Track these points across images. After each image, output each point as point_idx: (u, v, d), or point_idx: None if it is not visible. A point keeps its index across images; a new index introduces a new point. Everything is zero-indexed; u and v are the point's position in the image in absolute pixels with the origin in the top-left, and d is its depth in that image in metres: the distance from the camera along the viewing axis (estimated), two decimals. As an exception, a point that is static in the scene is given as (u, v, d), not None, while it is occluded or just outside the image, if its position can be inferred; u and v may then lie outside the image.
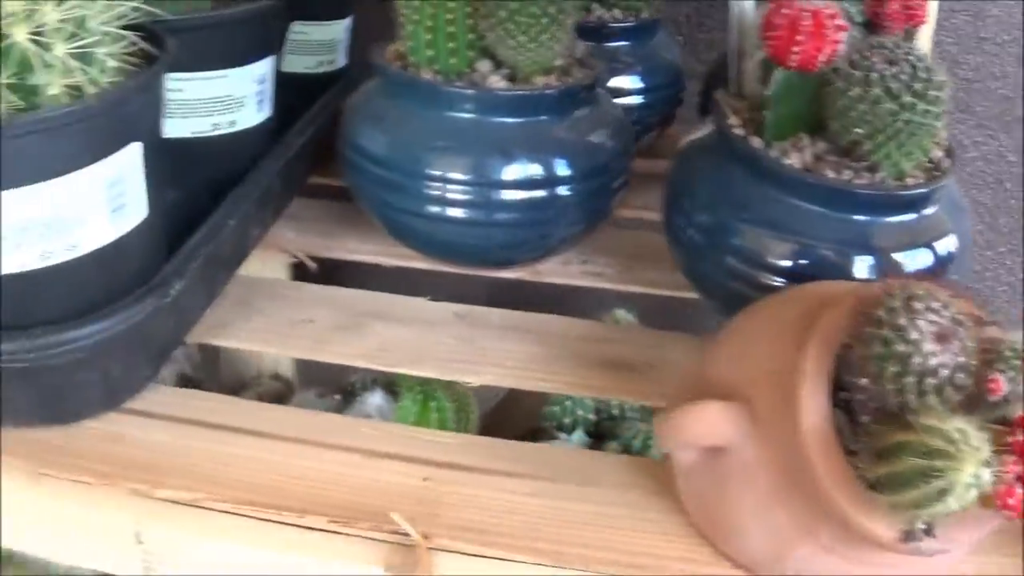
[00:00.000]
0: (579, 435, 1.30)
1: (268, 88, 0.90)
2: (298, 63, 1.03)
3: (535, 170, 0.82)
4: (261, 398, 1.44)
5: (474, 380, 0.80)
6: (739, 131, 0.75)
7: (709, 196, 0.77)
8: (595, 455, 0.76)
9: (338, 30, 1.07)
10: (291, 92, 0.97)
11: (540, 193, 0.83)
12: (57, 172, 0.63)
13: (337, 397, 1.36)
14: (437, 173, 0.82)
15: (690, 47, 1.38)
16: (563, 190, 0.84)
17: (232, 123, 0.86)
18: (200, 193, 0.84)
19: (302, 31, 1.02)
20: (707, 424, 0.60)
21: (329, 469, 0.69)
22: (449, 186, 0.82)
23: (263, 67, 0.88)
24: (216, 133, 0.86)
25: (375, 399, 1.24)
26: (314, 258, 0.96)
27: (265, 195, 0.88)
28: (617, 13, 1.08)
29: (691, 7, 1.38)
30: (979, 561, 0.63)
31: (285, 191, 0.96)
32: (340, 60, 1.09)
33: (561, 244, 0.90)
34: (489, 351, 0.82)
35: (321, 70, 1.06)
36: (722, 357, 0.63)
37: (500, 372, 0.80)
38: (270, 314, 0.83)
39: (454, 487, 0.68)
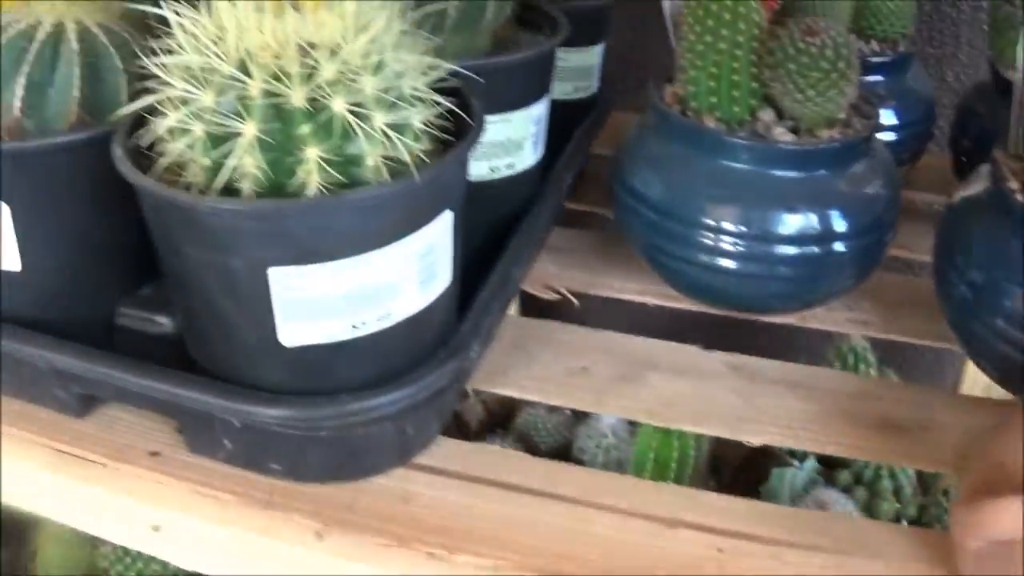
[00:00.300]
0: (811, 462, 1.28)
1: (543, 128, 0.90)
2: (557, 89, 1.02)
3: (812, 225, 0.81)
4: (487, 406, 1.45)
5: (755, 440, 0.78)
6: (1020, 196, 0.72)
7: (984, 255, 0.74)
8: (871, 523, 0.75)
9: (594, 55, 1.06)
10: (550, 119, 0.96)
11: (816, 249, 0.81)
12: (374, 245, 0.64)
13: (568, 412, 1.36)
14: (712, 223, 0.82)
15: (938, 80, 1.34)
16: (839, 246, 0.81)
17: (510, 166, 0.86)
18: (475, 237, 0.84)
19: (562, 58, 1.02)
20: (1011, 522, 0.58)
21: (626, 539, 0.68)
22: (724, 237, 0.82)
23: (541, 107, 0.88)
24: (494, 177, 0.86)
25: (610, 418, 1.23)
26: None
27: (540, 236, 0.88)
28: (875, 46, 1.04)
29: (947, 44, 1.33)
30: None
31: (551, 226, 0.96)
32: (594, 85, 1.08)
33: (831, 296, 0.87)
34: (766, 408, 0.80)
35: (577, 96, 1.06)
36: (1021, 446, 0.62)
37: (779, 432, 0.79)
38: (546, 361, 0.83)
39: (748, 559, 0.67)
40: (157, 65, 0.65)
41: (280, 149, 0.62)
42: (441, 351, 0.71)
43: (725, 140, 0.80)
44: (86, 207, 0.74)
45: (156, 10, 0.67)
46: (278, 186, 0.63)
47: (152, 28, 0.70)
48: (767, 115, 0.82)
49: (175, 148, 0.64)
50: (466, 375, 0.72)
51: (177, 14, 0.66)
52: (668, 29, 0.87)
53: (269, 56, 0.63)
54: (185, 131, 0.64)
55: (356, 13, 0.66)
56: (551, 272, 0.95)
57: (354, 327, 0.66)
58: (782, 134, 0.80)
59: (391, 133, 0.64)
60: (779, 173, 0.80)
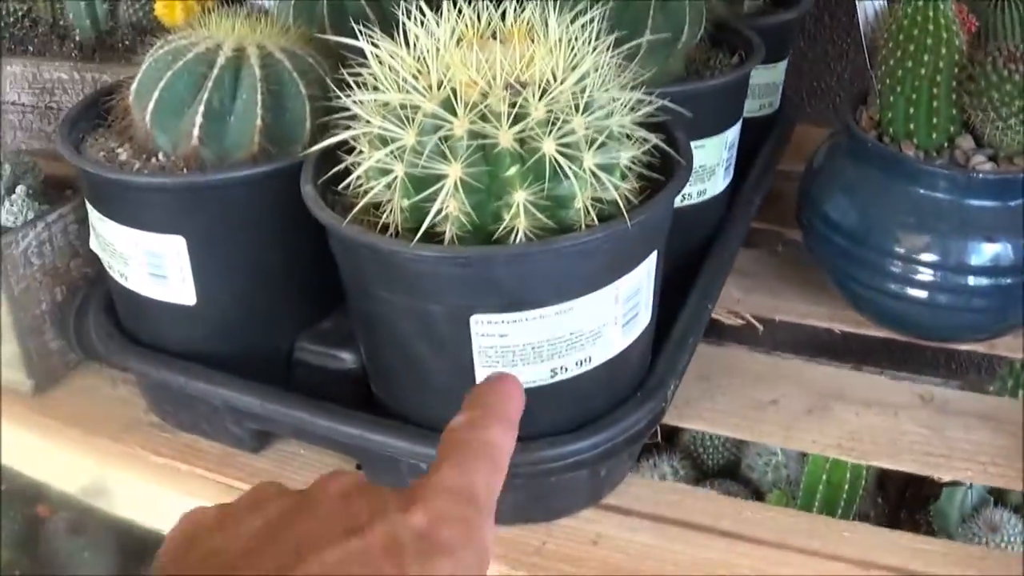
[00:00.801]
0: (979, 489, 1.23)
1: (735, 152, 0.86)
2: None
3: (1008, 255, 0.77)
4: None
5: (947, 476, 0.75)
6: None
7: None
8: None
9: (779, 72, 1.02)
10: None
11: (1010, 280, 0.77)
12: (581, 292, 0.61)
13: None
14: (905, 252, 0.78)
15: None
16: None
17: (702, 193, 0.82)
18: (663, 265, 0.80)
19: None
20: None
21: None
22: (917, 266, 0.78)
23: (734, 132, 0.84)
24: (684, 204, 0.82)
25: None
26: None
27: (728, 265, 0.84)
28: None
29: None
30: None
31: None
32: (777, 101, 1.03)
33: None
34: (958, 443, 0.77)
35: (763, 113, 1.01)
36: None
37: (972, 468, 0.75)
38: (733, 393, 0.80)
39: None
40: (353, 100, 0.62)
41: (486, 191, 0.60)
42: (639, 392, 0.68)
43: (923, 168, 0.76)
44: (264, 239, 0.72)
45: (349, 40, 0.64)
46: (482, 229, 0.60)
47: (340, 55, 0.68)
48: (966, 142, 0.77)
49: (372, 188, 0.62)
50: (662, 414, 0.69)
51: (374, 45, 0.63)
52: (864, 49, 0.82)
53: (475, 94, 0.60)
54: (384, 171, 0.61)
55: (565, 46, 0.62)
56: (735, 296, 0.91)
57: (553, 372, 0.63)
58: (982, 163, 0.76)
59: (600, 174, 0.60)
60: (976, 202, 0.76)
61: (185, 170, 0.71)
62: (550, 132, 0.59)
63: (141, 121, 0.72)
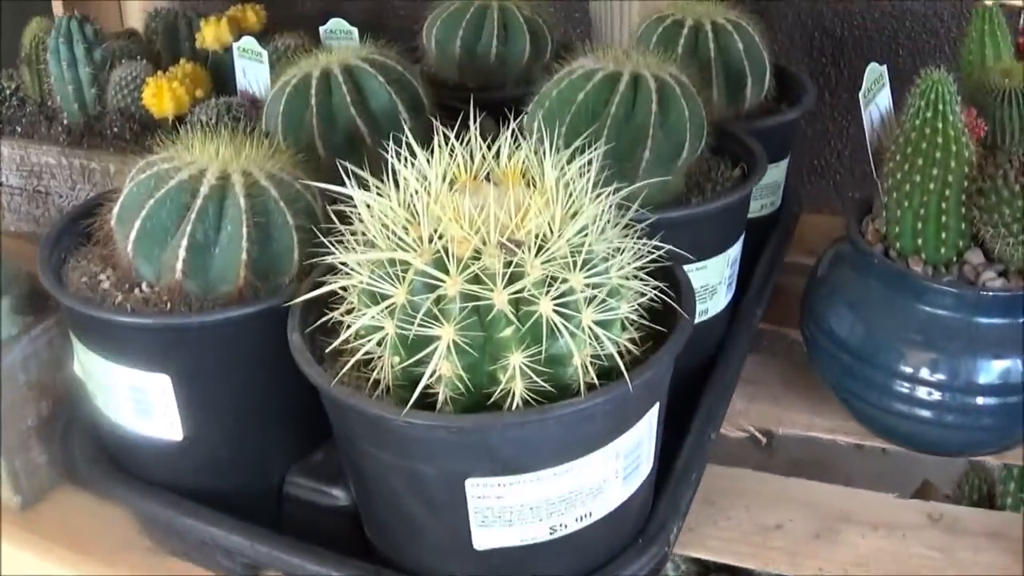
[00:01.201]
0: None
1: (737, 267, 0.83)
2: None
3: (1017, 373, 0.74)
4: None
5: (957, 603, 0.72)
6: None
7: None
8: None
9: (781, 171, 0.99)
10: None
11: (1018, 398, 0.75)
12: (580, 453, 0.59)
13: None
14: (911, 371, 0.76)
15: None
16: None
17: (704, 312, 0.80)
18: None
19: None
20: None
21: None
22: (923, 387, 0.76)
23: (737, 248, 0.81)
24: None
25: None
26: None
27: (732, 387, 0.82)
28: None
29: None
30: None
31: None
32: (779, 200, 1.01)
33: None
34: (967, 564, 0.74)
35: (764, 212, 0.99)
36: None
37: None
38: (737, 517, 0.77)
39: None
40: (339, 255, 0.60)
41: (480, 353, 0.57)
42: (640, 538, 0.66)
43: (932, 286, 0.74)
44: (251, 376, 0.70)
45: (338, 189, 0.62)
46: (478, 390, 0.58)
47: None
48: (975, 257, 0.75)
49: (361, 345, 0.59)
50: (666, 559, 0.67)
51: (363, 185, 0.61)
52: (869, 156, 0.79)
53: (469, 251, 0.57)
54: (375, 328, 0.59)
55: (563, 192, 0.60)
56: (738, 408, 0.88)
57: (552, 530, 0.61)
58: (992, 279, 0.73)
59: (599, 331, 0.58)
60: (986, 320, 0.74)
61: (169, 303, 0.68)
62: (547, 292, 0.57)
63: (123, 248, 0.70)
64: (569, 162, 0.62)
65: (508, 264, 0.57)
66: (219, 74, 1.03)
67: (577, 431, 0.58)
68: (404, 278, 0.58)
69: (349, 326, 0.60)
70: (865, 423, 0.82)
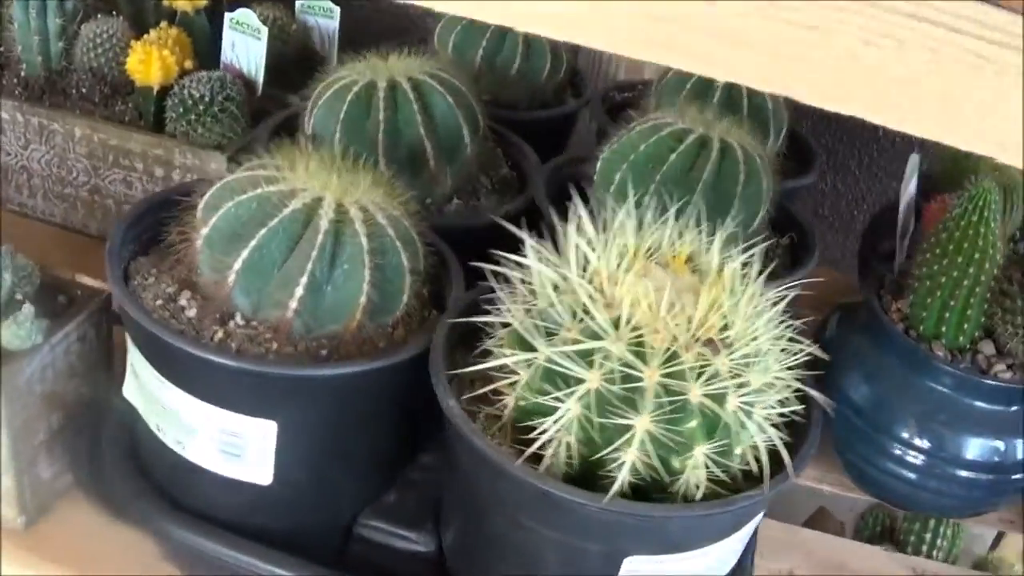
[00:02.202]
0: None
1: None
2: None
3: (999, 453, 0.82)
4: None
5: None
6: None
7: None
8: None
9: None
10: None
11: (993, 476, 0.83)
12: (728, 533, 0.62)
13: None
14: (906, 436, 0.82)
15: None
16: (1017, 475, 0.83)
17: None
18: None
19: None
20: None
21: None
22: (912, 452, 0.82)
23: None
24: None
25: None
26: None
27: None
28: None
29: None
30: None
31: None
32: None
33: (999, 508, 0.91)
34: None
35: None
36: None
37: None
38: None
39: None
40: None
41: (667, 442, 0.58)
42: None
43: (949, 370, 0.81)
44: (353, 421, 0.67)
45: (513, 257, 0.60)
46: (654, 475, 0.59)
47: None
48: (987, 348, 0.82)
49: (536, 422, 0.59)
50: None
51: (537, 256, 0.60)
52: (898, 236, 0.85)
53: (664, 342, 0.58)
54: (551, 407, 0.58)
55: (733, 283, 0.61)
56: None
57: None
58: (1003, 371, 0.81)
59: (765, 425, 0.60)
60: (985, 405, 0.81)
61: (274, 342, 0.64)
62: (733, 387, 0.58)
63: (218, 276, 0.65)
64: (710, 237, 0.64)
65: (699, 356, 0.58)
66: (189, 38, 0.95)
67: (738, 516, 0.61)
68: (597, 363, 0.58)
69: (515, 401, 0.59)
70: (853, 477, 0.89)
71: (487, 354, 0.63)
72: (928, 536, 1.12)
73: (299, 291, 0.63)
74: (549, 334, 0.59)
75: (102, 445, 0.73)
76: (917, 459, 0.83)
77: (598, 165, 0.79)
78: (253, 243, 0.64)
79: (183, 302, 0.66)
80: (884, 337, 0.84)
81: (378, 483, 0.71)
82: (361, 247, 0.64)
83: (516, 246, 0.65)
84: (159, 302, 0.66)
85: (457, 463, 0.64)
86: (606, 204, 0.74)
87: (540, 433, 0.59)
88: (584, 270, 0.61)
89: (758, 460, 0.61)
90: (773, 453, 0.61)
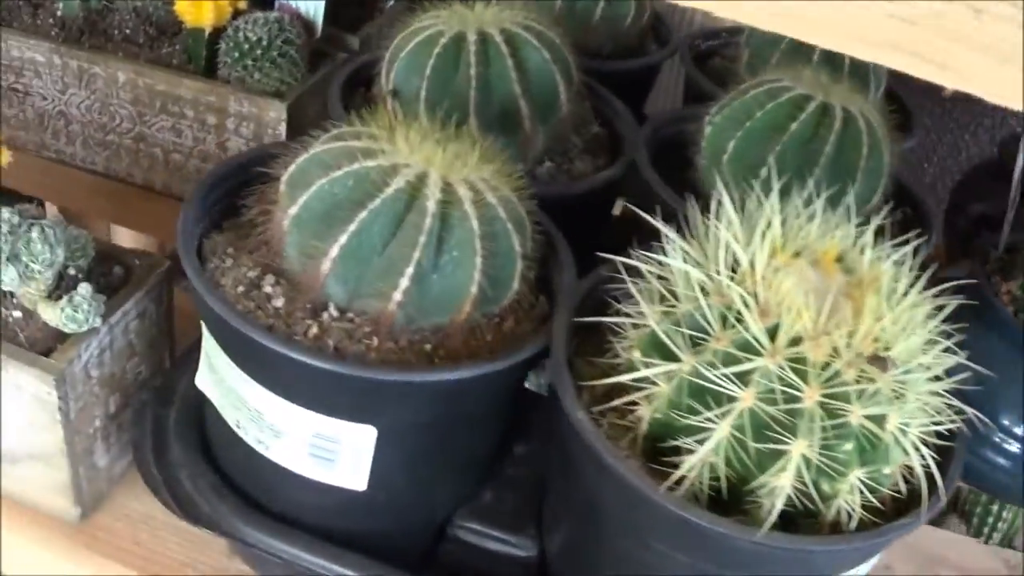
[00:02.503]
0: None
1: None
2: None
3: None
4: None
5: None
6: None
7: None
8: None
9: None
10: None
11: None
12: (861, 561, 0.57)
13: None
14: (1007, 423, 0.79)
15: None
16: None
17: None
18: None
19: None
20: None
21: None
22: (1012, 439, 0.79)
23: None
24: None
25: None
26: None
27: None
28: None
29: None
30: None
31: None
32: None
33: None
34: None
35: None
36: None
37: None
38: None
39: None
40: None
41: (823, 466, 0.52)
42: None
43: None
44: (456, 424, 0.61)
45: (657, 257, 0.54)
46: (804, 502, 0.53)
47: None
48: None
49: (683, 442, 0.53)
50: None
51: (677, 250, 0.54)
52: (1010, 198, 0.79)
53: (823, 356, 0.52)
54: (697, 427, 0.52)
55: (891, 285, 0.55)
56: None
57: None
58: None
59: (919, 445, 0.55)
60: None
61: (374, 336, 0.57)
62: (892, 406, 0.53)
63: (305, 259, 0.58)
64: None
65: (861, 373, 0.52)
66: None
67: (888, 542, 0.56)
68: (753, 380, 0.52)
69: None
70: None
71: (605, 350, 0.57)
72: (995, 508, 1.09)
73: (404, 282, 0.57)
74: (694, 342, 0.53)
75: (166, 433, 0.66)
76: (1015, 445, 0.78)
77: (707, 130, 0.72)
78: (352, 227, 0.57)
79: (268, 288, 0.59)
80: (993, 320, 0.78)
81: (473, 480, 0.66)
82: (472, 232, 0.58)
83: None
84: (240, 288, 0.59)
85: (576, 473, 0.58)
86: (720, 177, 0.69)
87: (679, 450, 0.53)
88: (732, 269, 0.55)
89: (906, 480, 0.56)
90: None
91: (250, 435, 0.60)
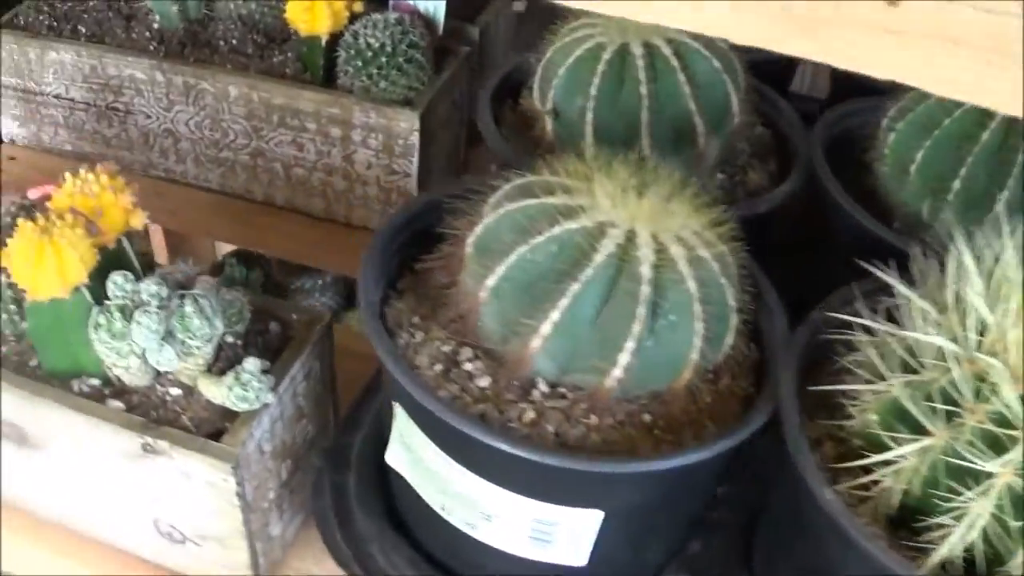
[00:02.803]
0: None
1: None
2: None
3: None
4: None
5: None
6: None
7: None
8: None
9: None
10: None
11: None
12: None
13: None
14: None
15: None
16: None
17: None
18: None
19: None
20: None
21: None
22: None
23: None
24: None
25: None
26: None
27: None
28: None
29: None
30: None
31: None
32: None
33: None
34: None
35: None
36: None
37: None
38: None
39: None
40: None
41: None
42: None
43: None
44: (681, 495, 0.57)
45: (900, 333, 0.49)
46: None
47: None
48: None
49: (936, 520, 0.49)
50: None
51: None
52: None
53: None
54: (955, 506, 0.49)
55: None
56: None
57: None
58: None
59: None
60: None
61: (591, 415, 0.53)
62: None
63: (510, 333, 0.53)
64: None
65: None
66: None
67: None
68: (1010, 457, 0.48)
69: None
70: None
71: (835, 411, 0.53)
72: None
73: (625, 357, 0.52)
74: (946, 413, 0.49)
75: (348, 501, 0.63)
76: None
77: (889, 138, 0.66)
78: (566, 302, 0.52)
79: (468, 366, 0.55)
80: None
81: (684, 531, 0.62)
82: (689, 295, 0.53)
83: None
84: (438, 367, 0.55)
85: (814, 539, 0.54)
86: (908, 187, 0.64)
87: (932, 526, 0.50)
88: (980, 333, 0.50)
89: None
90: None
91: (456, 517, 0.57)
